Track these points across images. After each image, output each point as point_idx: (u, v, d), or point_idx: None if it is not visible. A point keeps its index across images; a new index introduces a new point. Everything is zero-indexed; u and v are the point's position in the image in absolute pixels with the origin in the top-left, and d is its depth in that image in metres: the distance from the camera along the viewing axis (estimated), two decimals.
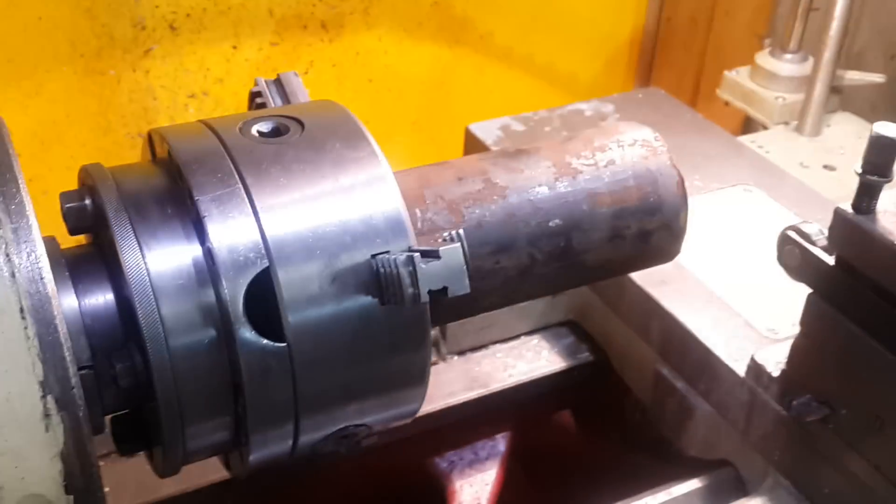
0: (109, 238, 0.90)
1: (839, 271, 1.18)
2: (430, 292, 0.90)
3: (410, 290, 0.89)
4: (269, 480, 1.49)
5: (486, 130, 1.96)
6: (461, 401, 1.60)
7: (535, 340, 1.74)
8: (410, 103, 2.73)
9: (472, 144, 1.97)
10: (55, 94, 2.25)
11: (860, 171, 1.13)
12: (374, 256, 0.92)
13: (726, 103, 2.44)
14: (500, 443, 1.73)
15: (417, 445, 1.63)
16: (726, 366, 1.40)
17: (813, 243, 1.22)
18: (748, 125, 2.63)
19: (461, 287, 0.91)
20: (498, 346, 1.71)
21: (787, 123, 2.28)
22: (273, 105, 1.16)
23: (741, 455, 1.42)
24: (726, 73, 2.40)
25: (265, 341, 0.89)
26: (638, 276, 1.55)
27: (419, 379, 1.00)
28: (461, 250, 0.92)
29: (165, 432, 0.91)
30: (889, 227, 1.12)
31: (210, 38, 2.35)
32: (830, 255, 1.20)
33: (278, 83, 1.20)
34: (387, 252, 0.92)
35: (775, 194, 1.81)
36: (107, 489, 1.39)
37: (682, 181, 1.21)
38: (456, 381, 1.63)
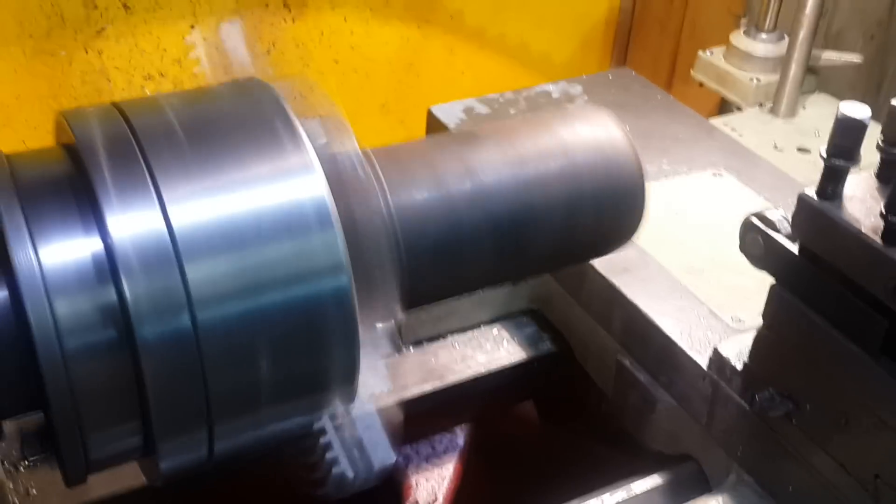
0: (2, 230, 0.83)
1: (803, 260, 1.12)
2: None
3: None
4: (209, 477, 1.42)
5: (449, 113, 1.89)
6: (416, 394, 1.53)
7: (496, 330, 1.67)
8: (378, 85, 2.66)
9: (435, 128, 1.89)
10: (2, 75, 2.16)
11: (825, 154, 1.07)
12: None
13: (700, 84, 2.37)
14: (459, 436, 1.67)
15: None
16: (689, 357, 1.34)
17: (777, 231, 1.15)
18: (724, 107, 2.56)
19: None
20: (456, 336, 1.64)
21: (761, 105, 2.21)
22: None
23: (704, 450, 1.36)
24: (700, 53, 2.33)
25: (171, 343, 0.82)
26: (599, 264, 1.49)
27: (348, 372, 0.94)
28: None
29: (62, 441, 0.84)
30: (855, 215, 1.06)
31: (166, 17, 2.27)
32: (794, 243, 1.13)
33: None
34: None
35: (746, 178, 1.74)
36: (33, 491, 1.34)
37: (638, 162, 1.13)
38: (411, 373, 1.56)
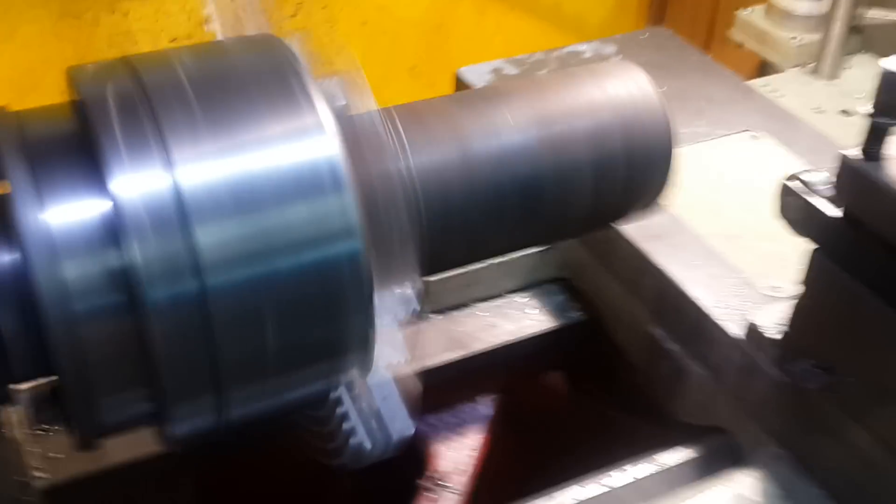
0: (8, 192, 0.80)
1: (846, 225, 1.06)
2: None
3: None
4: (233, 448, 1.41)
5: (478, 74, 1.84)
6: (439, 363, 1.50)
7: (524, 299, 1.63)
8: (407, 48, 2.60)
9: (463, 90, 1.84)
10: (29, 39, 2.14)
11: (870, 112, 1.01)
12: None
13: (739, 45, 2.28)
14: (485, 406, 1.63)
15: None
16: (721, 328, 1.29)
17: (817, 194, 1.10)
18: (764, 69, 2.47)
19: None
20: (483, 304, 1.60)
21: (803, 66, 2.13)
22: None
23: (737, 422, 1.31)
24: (739, 12, 2.24)
25: (180, 307, 0.79)
26: (630, 230, 1.44)
27: (362, 339, 0.90)
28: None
29: (73, 406, 0.82)
30: None
31: None
32: (837, 207, 1.08)
33: None
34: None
35: (785, 141, 1.67)
36: (58, 455, 1.34)
37: (668, 121, 1.08)
38: (435, 341, 1.53)
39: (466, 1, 2.59)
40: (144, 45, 2.28)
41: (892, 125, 1.00)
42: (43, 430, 1.36)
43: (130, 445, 1.33)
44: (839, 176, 1.05)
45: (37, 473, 1.32)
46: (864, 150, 1.02)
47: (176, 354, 0.82)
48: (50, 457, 1.34)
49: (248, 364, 0.85)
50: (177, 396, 0.85)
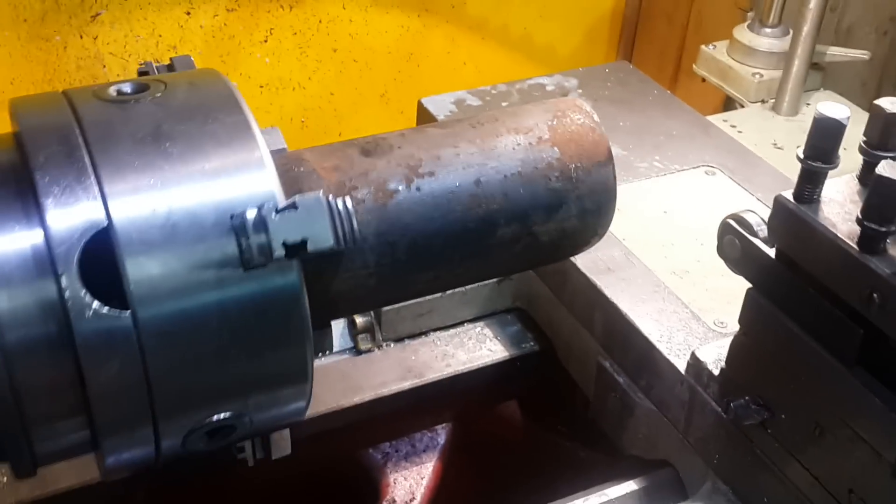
0: None
1: (779, 265, 1.08)
2: (286, 245, 0.81)
3: (263, 241, 0.81)
4: (184, 472, 1.41)
5: (439, 105, 1.86)
6: (393, 391, 1.51)
7: (479, 328, 1.64)
8: (378, 75, 2.63)
9: (426, 120, 1.86)
10: None
11: (802, 156, 1.03)
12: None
13: (703, 79, 2.32)
14: (440, 435, 1.64)
15: (349, 437, 1.54)
16: (668, 361, 1.31)
17: (754, 233, 1.12)
18: (729, 104, 2.51)
19: (323, 239, 0.82)
20: (438, 333, 1.62)
21: (764, 101, 2.17)
22: None
23: (681, 456, 1.33)
24: (703, 47, 2.28)
25: (111, 340, 0.80)
26: (582, 263, 1.46)
27: (299, 371, 0.91)
28: (322, 199, 0.82)
29: (8, 436, 0.83)
30: (832, 219, 1.02)
31: (161, 3, 2.25)
32: (771, 247, 1.10)
33: (171, 68, 1.09)
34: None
35: (740, 178, 1.70)
36: (4, 479, 1.34)
37: (608, 149, 1.09)
38: (390, 370, 1.54)
39: (437, 30, 2.62)
40: (113, 68, 2.29)
41: (824, 169, 1.02)
42: None
43: (78, 471, 1.34)
44: (772, 217, 1.07)
45: None
46: (797, 193, 1.04)
47: (107, 386, 0.82)
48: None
49: (182, 397, 0.86)
50: (109, 428, 0.86)
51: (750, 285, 1.14)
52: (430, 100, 1.87)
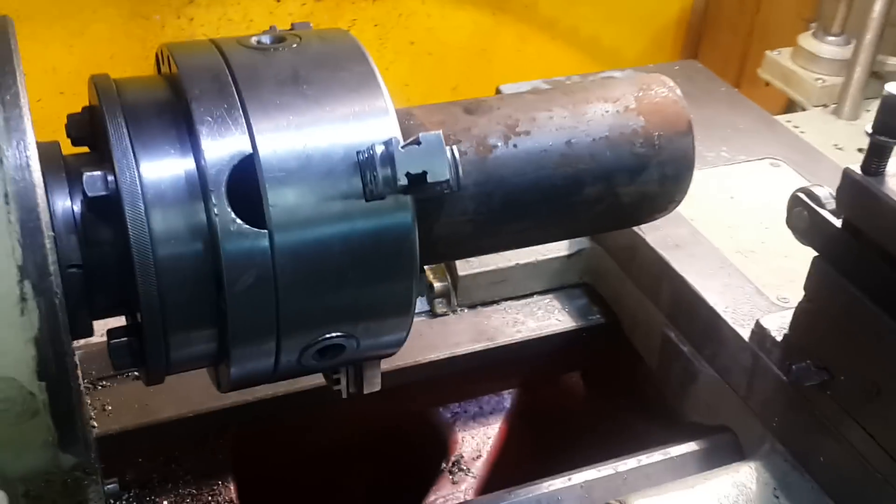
0: (107, 146, 0.93)
1: (845, 234, 1.16)
2: (408, 175, 0.90)
3: (388, 173, 0.90)
4: (267, 419, 1.52)
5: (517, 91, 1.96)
6: (467, 351, 1.60)
7: (548, 300, 1.73)
8: (451, 68, 2.74)
9: None
10: (99, 34, 2.30)
11: (870, 130, 1.11)
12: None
13: (767, 83, 2.39)
14: (506, 399, 1.74)
15: (420, 394, 1.64)
16: (732, 329, 1.39)
17: (821, 205, 1.20)
18: (790, 108, 2.58)
19: (441, 173, 0.91)
20: (510, 302, 1.71)
21: (825, 106, 2.24)
22: None
23: (741, 421, 1.40)
24: (768, 52, 2.36)
25: (250, 259, 0.91)
26: (651, 239, 1.55)
27: (405, 302, 1.01)
28: (441, 137, 0.92)
29: (148, 339, 0.94)
30: None
31: None
32: (838, 217, 1.18)
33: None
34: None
35: (803, 171, 1.78)
36: (108, 408, 1.45)
37: (689, 121, 1.18)
38: (463, 332, 1.63)
39: (509, 28, 2.73)
40: None
41: (890, 144, 1.10)
42: (99, 385, 1.48)
43: (177, 404, 1.45)
44: (840, 189, 1.15)
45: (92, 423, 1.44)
46: (864, 166, 1.12)
47: (242, 301, 0.93)
48: (103, 409, 1.46)
49: (304, 316, 0.97)
50: (239, 339, 0.96)
51: (815, 255, 1.22)
52: (508, 87, 1.97)
